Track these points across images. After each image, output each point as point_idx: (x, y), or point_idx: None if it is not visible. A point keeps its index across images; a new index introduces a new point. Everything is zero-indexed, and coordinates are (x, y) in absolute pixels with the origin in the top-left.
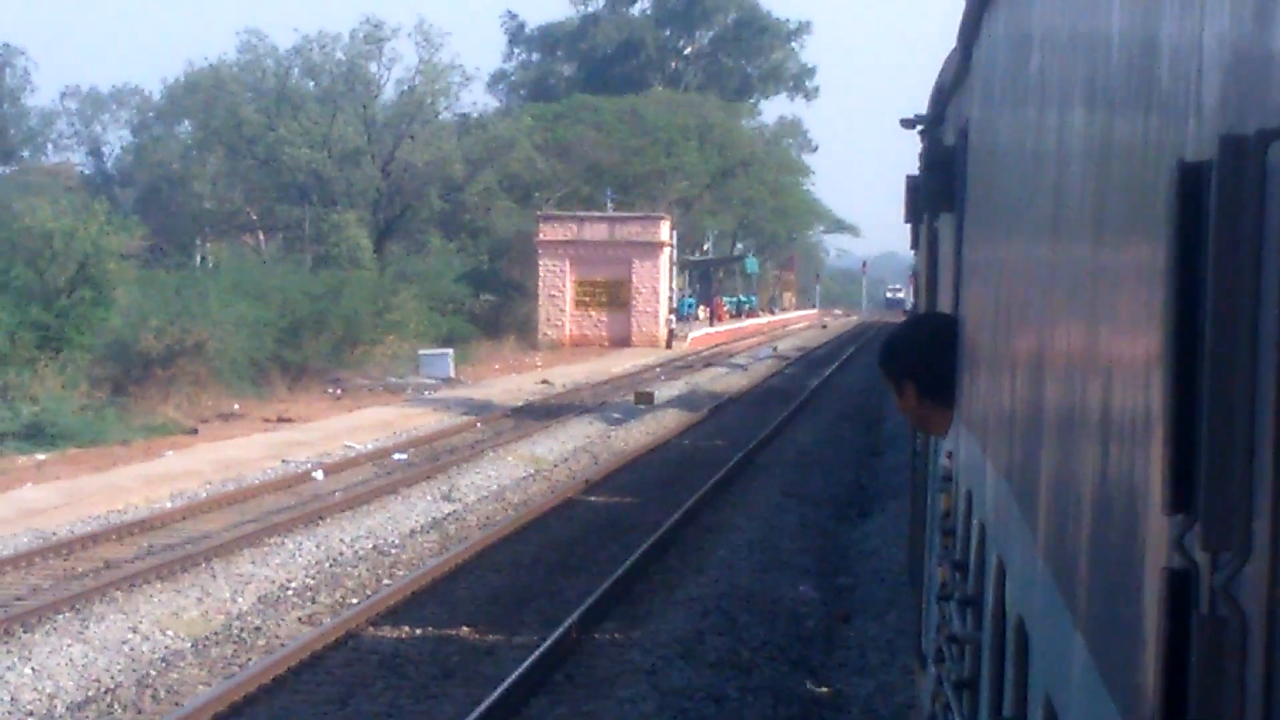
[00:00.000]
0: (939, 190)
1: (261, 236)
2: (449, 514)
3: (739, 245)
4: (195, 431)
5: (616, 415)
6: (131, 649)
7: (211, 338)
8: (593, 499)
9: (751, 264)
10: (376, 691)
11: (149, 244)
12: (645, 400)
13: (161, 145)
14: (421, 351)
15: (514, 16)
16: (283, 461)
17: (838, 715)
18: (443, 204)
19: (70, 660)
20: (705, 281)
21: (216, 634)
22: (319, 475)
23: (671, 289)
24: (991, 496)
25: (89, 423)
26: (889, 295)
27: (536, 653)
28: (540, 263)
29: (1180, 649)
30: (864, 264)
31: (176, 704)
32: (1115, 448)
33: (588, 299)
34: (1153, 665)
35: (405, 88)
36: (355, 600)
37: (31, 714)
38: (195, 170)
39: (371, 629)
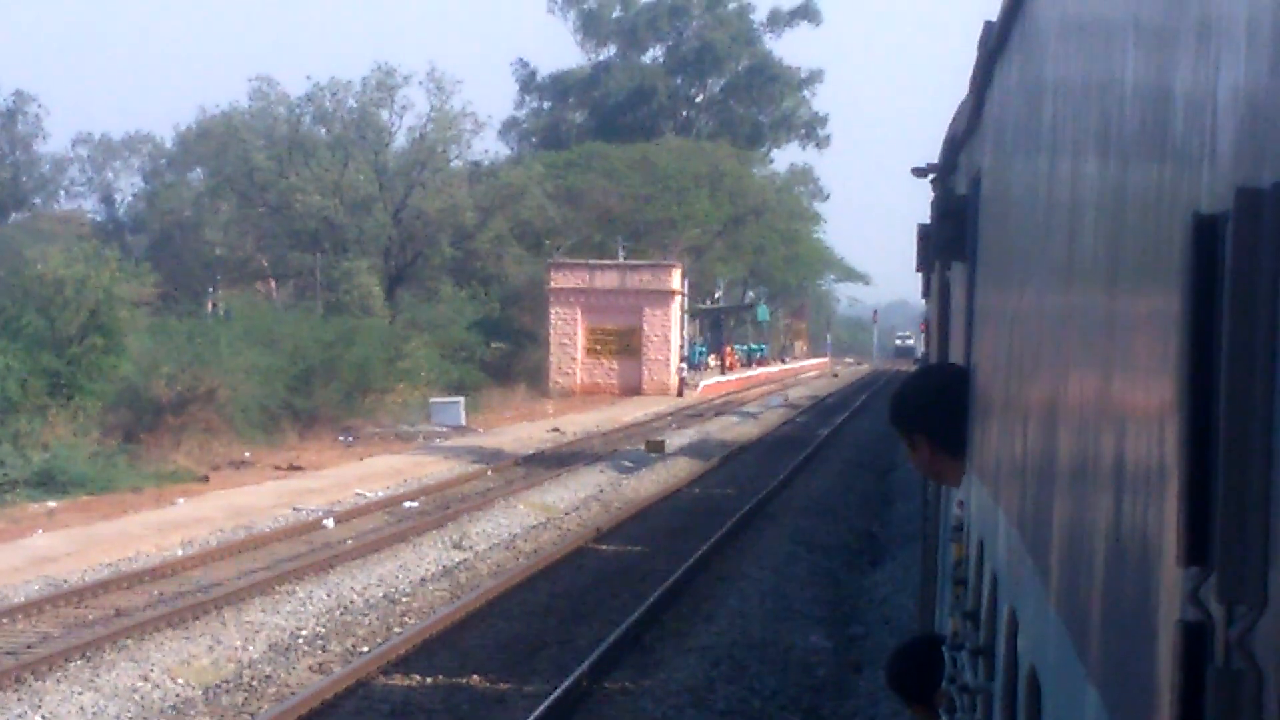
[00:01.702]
0: (951, 239)
1: (273, 284)
2: (460, 562)
3: (750, 293)
4: (206, 479)
5: (628, 463)
6: (142, 697)
7: (223, 385)
8: (604, 547)
9: (763, 312)
10: None
11: (160, 291)
12: (656, 449)
13: (173, 192)
14: (433, 399)
15: (525, 64)
16: (294, 509)
17: None
18: (454, 252)
19: (81, 708)
20: (716, 329)
21: (227, 682)
22: (330, 523)
23: (683, 337)
24: (1003, 546)
25: (100, 470)
26: (898, 343)
27: (548, 701)
28: (551, 311)
29: (1195, 703)
30: (875, 312)
31: None
32: (1129, 498)
33: (599, 347)
34: (1167, 719)
35: (417, 135)
36: (366, 648)
37: None
38: (207, 217)
39: (382, 677)
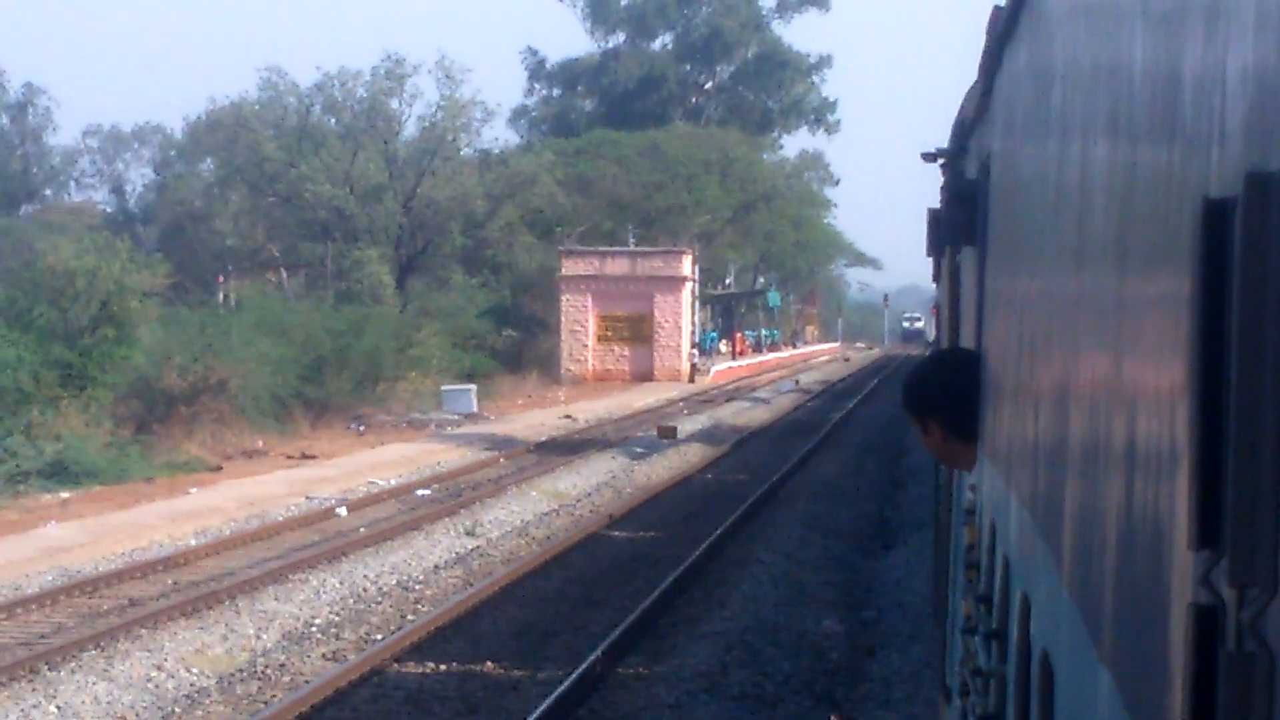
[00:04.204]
0: (961, 223)
1: (284, 273)
2: (473, 549)
3: (761, 279)
4: (219, 469)
5: (639, 449)
6: (156, 686)
7: (235, 375)
8: (616, 534)
9: (774, 298)
10: None
11: (171, 282)
12: (668, 434)
13: (184, 183)
14: (444, 387)
15: (534, 52)
16: (306, 498)
17: None
18: (464, 240)
19: (95, 698)
20: (727, 315)
21: (241, 671)
22: (343, 512)
23: (694, 323)
24: (1015, 529)
25: (113, 460)
26: (906, 325)
27: (561, 687)
28: (562, 298)
29: (1207, 686)
30: (886, 297)
31: None
32: (1140, 482)
33: (610, 334)
34: (1179, 702)
35: (426, 124)
36: (380, 636)
37: None
38: (217, 208)
39: (396, 665)
